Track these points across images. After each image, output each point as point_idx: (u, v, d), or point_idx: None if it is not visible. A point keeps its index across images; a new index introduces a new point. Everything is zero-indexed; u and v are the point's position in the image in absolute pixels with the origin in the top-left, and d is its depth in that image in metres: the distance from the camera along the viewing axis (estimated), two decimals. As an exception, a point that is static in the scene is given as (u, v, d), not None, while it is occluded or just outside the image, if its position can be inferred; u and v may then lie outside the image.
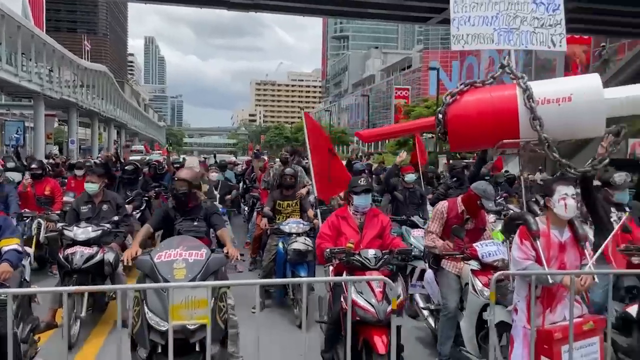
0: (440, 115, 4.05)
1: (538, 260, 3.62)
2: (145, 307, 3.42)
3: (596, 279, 3.62)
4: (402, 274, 6.53)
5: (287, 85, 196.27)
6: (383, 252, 4.36)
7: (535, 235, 3.64)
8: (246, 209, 12.29)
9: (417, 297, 5.70)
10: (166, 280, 3.54)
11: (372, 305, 4.02)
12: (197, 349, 3.53)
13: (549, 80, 4.02)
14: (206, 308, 3.03)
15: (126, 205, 7.02)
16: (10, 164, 10.35)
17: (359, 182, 4.67)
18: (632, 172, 16.64)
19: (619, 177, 5.00)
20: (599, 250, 3.67)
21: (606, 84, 17.71)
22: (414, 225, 6.88)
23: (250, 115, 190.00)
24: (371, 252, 4.31)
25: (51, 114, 47.43)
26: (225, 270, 6.71)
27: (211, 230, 4.79)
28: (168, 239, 4.08)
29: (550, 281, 3.53)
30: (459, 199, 5.04)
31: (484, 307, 4.50)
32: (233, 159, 21.75)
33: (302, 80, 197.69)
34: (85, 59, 66.15)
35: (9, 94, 40.94)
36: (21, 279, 4.52)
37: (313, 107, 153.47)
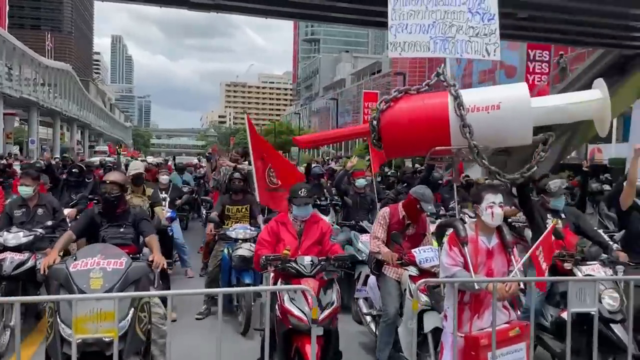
0: (374, 122, 4.05)
1: (466, 266, 3.66)
2: (58, 319, 3.31)
3: (521, 285, 3.67)
4: (349, 279, 6.60)
5: (258, 87, 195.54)
6: (320, 258, 4.34)
7: (464, 241, 3.68)
8: (204, 212, 12.17)
9: (361, 303, 5.70)
10: (81, 291, 3.41)
11: (305, 314, 3.99)
12: None
13: (480, 88, 4.08)
14: (113, 321, 2.92)
15: (68, 210, 6.84)
16: None
17: (300, 193, 4.57)
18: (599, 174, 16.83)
19: (554, 184, 5.12)
20: (525, 257, 3.71)
21: (564, 91, 18.14)
22: (363, 231, 6.88)
23: (220, 116, 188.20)
24: (307, 259, 4.29)
25: (11, 113, 46.38)
26: (163, 278, 6.63)
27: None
28: (87, 247, 3.97)
29: (476, 287, 3.57)
30: (400, 204, 5.08)
31: (422, 313, 4.53)
32: (195, 161, 21.43)
33: (273, 83, 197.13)
34: (48, 57, 64.82)
35: None
36: None
37: (284, 110, 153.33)
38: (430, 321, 4.38)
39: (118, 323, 3.41)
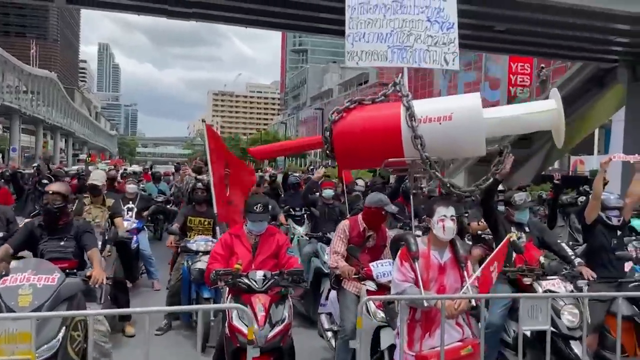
0: (327, 133, 3.94)
1: (417, 282, 3.54)
2: None
3: (473, 302, 3.55)
4: (316, 293, 6.44)
5: (246, 97, 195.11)
6: (273, 273, 4.19)
7: (414, 256, 3.56)
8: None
9: (322, 318, 5.55)
10: (9, 309, 3.26)
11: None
12: None
13: (433, 99, 3.99)
14: (29, 342, 2.73)
15: (27, 220, 6.61)
16: None
17: (255, 208, 4.38)
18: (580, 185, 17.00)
19: (519, 197, 5.03)
20: (477, 272, 3.59)
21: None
22: (330, 242, 6.73)
23: (202, 124, 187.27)
24: (259, 274, 4.13)
25: None
26: (121, 291, 6.42)
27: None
28: (20, 261, 3.79)
29: (425, 304, 3.44)
30: (360, 216, 4.95)
31: (378, 330, 4.38)
32: (172, 169, 21.06)
33: (261, 92, 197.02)
34: (33, 64, 64.39)
35: None
36: None
37: (272, 119, 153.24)
38: (386, 338, 4.24)
39: (44, 343, 3.26)
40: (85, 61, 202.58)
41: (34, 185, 9.17)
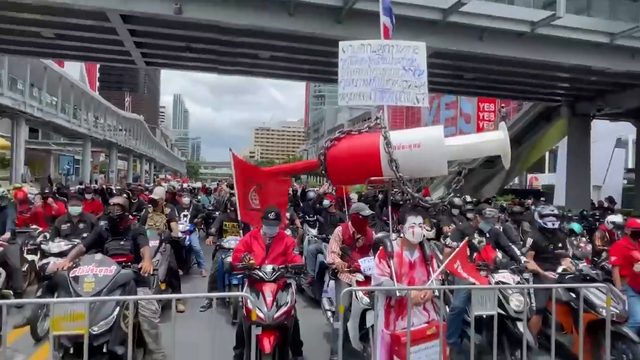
0: (322, 157, 3.81)
1: (392, 276, 3.36)
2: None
3: (436, 292, 3.35)
4: (321, 282, 6.25)
5: (279, 131, 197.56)
6: (279, 267, 4.06)
7: (390, 255, 3.39)
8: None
9: (324, 301, 5.35)
10: (77, 293, 3.18)
11: (262, 312, 3.69)
12: (104, 350, 3.19)
13: (407, 130, 3.82)
14: (84, 320, 2.64)
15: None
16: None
17: (269, 216, 4.30)
18: (535, 197, 16.55)
19: (490, 211, 4.90)
20: (441, 268, 3.40)
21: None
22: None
23: (250, 152, 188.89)
24: (269, 268, 4.01)
25: (98, 151, 48.84)
26: (174, 277, 6.32)
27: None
28: (87, 256, 3.71)
29: (398, 294, 3.26)
30: (349, 223, 4.82)
31: (365, 312, 4.19)
32: (215, 185, 21.19)
33: (290, 128, 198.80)
34: (126, 110, 66.39)
35: (64, 135, 41.26)
36: None
37: (298, 147, 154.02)
38: (370, 319, 4.04)
39: (103, 319, 3.17)
40: (163, 107, 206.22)
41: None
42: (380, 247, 3.52)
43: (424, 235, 3.47)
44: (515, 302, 3.89)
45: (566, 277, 4.60)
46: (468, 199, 10.04)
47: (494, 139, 3.48)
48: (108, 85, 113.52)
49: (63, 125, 34.32)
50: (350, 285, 4.56)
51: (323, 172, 3.82)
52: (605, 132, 23.54)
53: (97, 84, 65.47)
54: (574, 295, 4.43)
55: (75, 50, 14.80)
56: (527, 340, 3.47)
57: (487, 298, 3.34)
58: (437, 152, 3.46)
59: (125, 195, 7.64)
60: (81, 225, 5.91)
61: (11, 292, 4.97)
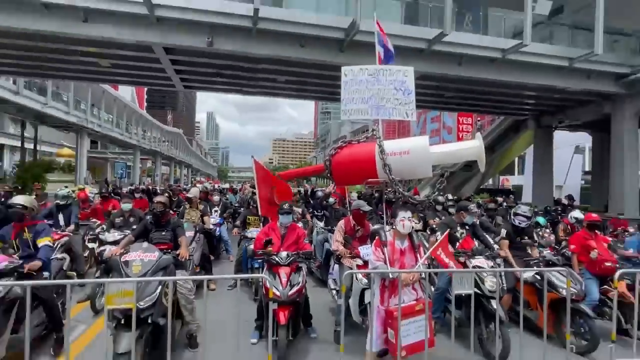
0: (327, 162, 3.79)
1: (385, 261, 3.32)
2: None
3: (422, 275, 3.31)
4: (327, 266, 6.21)
5: (293, 141, 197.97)
6: (292, 253, 4.03)
7: (384, 244, 3.36)
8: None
9: (330, 282, 5.31)
10: (127, 274, 3.17)
11: (279, 290, 3.67)
12: (149, 321, 3.18)
13: (399, 140, 3.77)
14: (132, 296, 2.63)
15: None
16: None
17: (283, 206, 4.30)
18: (506, 195, 16.34)
19: (473, 207, 4.84)
20: (426, 255, 3.35)
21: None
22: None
23: (269, 159, 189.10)
24: (284, 254, 3.99)
25: (145, 158, 49.32)
26: (207, 262, 6.32)
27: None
28: (135, 244, 3.70)
29: (390, 276, 3.22)
30: (351, 217, 4.77)
31: (363, 291, 4.15)
32: (240, 186, 21.14)
33: (302, 138, 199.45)
34: (168, 124, 66.94)
35: (119, 146, 41.98)
36: (60, 268, 4.12)
37: (308, 155, 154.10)
38: (368, 296, 4.00)
39: (147, 296, 3.16)
40: (198, 122, 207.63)
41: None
42: (376, 237, 3.48)
43: (412, 227, 3.42)
44: (490, 283, 3.82)
45: (532, 262, 4.52)
46: (450, 197, 9.89)
47: (472, 147, 3.43)
48: (153, 104, 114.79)
49: (117, 137, 35.02)
50: (351, 269, 4.54)
51: (328, 174, 3.79)
52: (565, 140, 23.18)
53: (145, 104, 66.32)
54: (539, 277, 4.35)
55: (126, 76, 14.95)
56: (499, 315, 3.40)
57: (466, 280, 3.28)
58: (423, 158, 3.42)
59: (166, 194, 7.66)
60: (131, 219, 5.92)
61: (74, 273, 4.98)
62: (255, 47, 10.92)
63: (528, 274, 4.38)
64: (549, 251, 5.40)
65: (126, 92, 44.59)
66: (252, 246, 5.64)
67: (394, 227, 3.44)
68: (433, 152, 3.43)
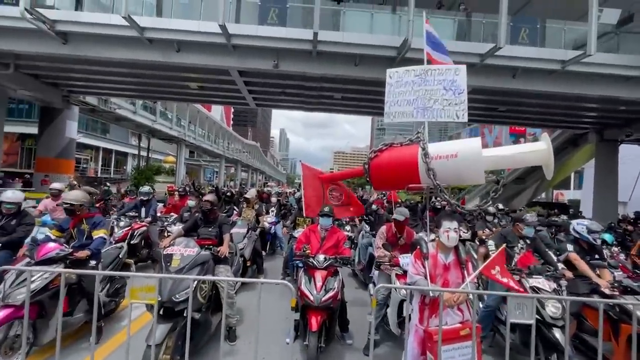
0: (366, 166, 3.17)
1: (427, 276, 2.59)
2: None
3: (470, 296, 2.51)
4: (369, 268, 5.51)
5: (351, 154, 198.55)
6: (329, 257, 3.46)
7: (425, 256, 2.62)
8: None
9: (370, 287, 4.62)
10: (167, 268, 2.88)
11: (312, 295, 3.12)
12: (185, 314, 2.84)
13: (445, 142, 3.03)
14: (154, 292, 2.28)
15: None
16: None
17: (324, 209, 3.77)
18: (563, 210, 13.97)
19: (531, 216, 3.81)
20: (475, 273, 2.55)
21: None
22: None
23: (330, 169, 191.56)
24: (321, 257, 3.43)
25: (229, 165, 52.44)
26: (258, 258, 5.97)
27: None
28: (179, 239, 3.42)
29: (431, 294, 2.48)
30: (392, 223, 4.06)
31: (402, 302, 3.43)
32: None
33: (359, 151, 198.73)
34: (248, 138, 71.00)
35: (209, 155, 44.89)
36: (117, 256, 4.03)
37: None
38: (406, 309, 3.27)
39: (183, 290, 2.83)
40: (272, 137, 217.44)
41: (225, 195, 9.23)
42: (417, 248, 2.77)
43: (459, 239, 2.65)
44: (552, 309, 2.86)
45: (602, 287, 3.38)
46: (500, 206, 8.50)
47: (537, 150, 2.58)
48: (238, 122, 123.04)
49: (208, 148, 37.86)
50: (389, 276, 3.84)
51: (367, 178, 3.18)
52: (630, 154, 19.35)
53: (231, 122, 71.05)
54: (611, 304, 3.24)
55: (211, 97, 15.80)
56: (567, 351, 2.46)
57: (525, 306, 2.40)
58: (474, 162, 2.65)
59: (214, 194, 7.57)
60: (197, 214, 5.84)
61: (132, 261, 4.90)
62: (315, 68, 10.73)
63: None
64: (621, 272, 4.12)
65: (217, 112, 48.02)
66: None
67: (437, 237, 2.70)
68: (486, 156, 2.64)
